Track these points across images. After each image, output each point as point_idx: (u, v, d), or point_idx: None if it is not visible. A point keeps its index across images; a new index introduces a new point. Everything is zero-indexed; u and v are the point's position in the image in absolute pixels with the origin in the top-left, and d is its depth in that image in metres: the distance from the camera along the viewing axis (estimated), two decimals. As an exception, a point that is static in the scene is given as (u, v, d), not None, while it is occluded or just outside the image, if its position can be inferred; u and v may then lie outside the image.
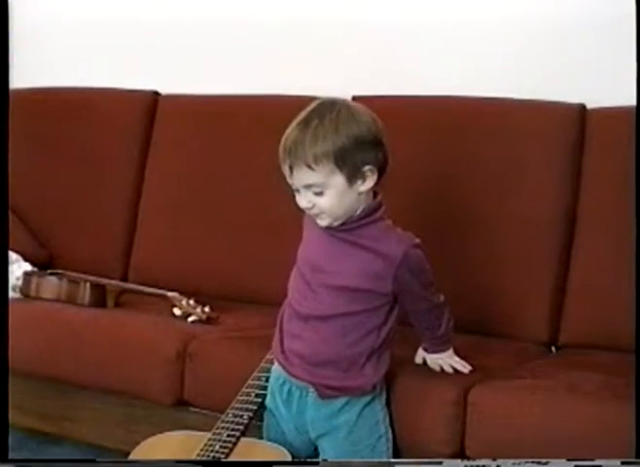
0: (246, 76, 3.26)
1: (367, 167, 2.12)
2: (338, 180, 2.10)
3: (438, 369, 2.31)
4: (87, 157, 3.38)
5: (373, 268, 2.14)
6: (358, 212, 2.16)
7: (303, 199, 2.14)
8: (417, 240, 2.18)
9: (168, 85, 3.36)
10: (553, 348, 2.68)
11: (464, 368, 2.30)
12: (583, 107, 2.72)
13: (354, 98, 2.92)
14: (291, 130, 2.13)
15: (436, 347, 2.30)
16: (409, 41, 3.04)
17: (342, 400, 2.18)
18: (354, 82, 3.03)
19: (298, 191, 2.15)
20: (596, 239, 2.63)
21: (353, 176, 2.11)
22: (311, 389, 2.19)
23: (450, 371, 2.30)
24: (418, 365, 2.34)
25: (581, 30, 2.81)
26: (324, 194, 2.11)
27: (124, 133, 3.35)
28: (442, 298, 2.26)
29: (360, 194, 2.14)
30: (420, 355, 2.34)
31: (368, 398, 2.19)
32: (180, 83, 3.34)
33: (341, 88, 2.92)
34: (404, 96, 2.93)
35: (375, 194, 2.20)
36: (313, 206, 2.13)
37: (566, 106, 2.72)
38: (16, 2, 3.57)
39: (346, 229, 2.17)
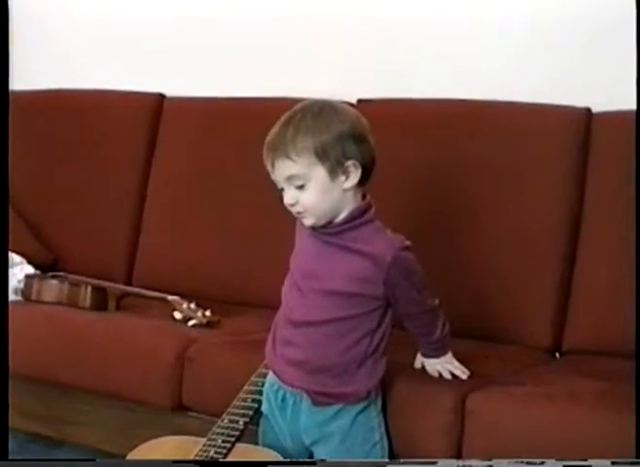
0: (251, 78, 3.25)
1: (349, 162, 2.11)
2: (320, 173, 2.09)
3: (436, 374, 2.28)
4: (92, 159, 3.38)
5: (362, 271, 2.13)
6: (345, 214, 2.14)
7: (287, 197, 2.13)
8: (407, 243, 2.16)
9: (174, 87, 3.36)
10: (558, 355, 2.65)
11: (462, 373, 2.27)
12: (588, 111, 2.69)
13: (359, 101, 2.94)
14: (274, 128, 2.15)
15: (433, 352, 2.27)
16: (414, 43, 3.02)
17: (336, 406, 2.16)
18: (358, 84, 3.03)
19: (283, 189, 2.15)
20: (601, 244, 2.60)
21: (335, 170, 2.10)
22: (305, 396, 2.17)
23: (449, 377, 2.27)
24: (416, 370, 2.31)
25: (587, 33, 2.79)
26: (306, 187, 2.10)
27: (129, 135, 3.34)
28: (436, 302, 2.23)
29: (345, 190, 2.13)
30: (419, 360, 2.32)
31: (362, 405, 2.17)
32: (185, 85, 3.34)
33: (346, 90, 2.93)
34: (408, 99, 2.91)
35: (364, 196, 2.18)
36: (297, 203, 2.12)
37: (571, 110, 2.70)
38: (21, 3, 3.59)
39: (335, 232, 2.15)
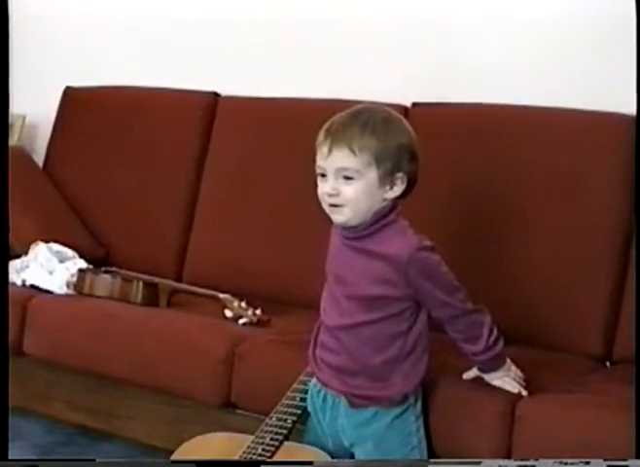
0: (305, 79, 3.25)
1: (399, 174, 2.13)
2: (372, 175, 2.10)
3: (514, 390, 2.22)
4: (146, 156, 3.40)
5: (383, 273, 2.13)
6: (369, 217, 2.14)
7: (329, 186, 2.12)
8: (427, 242, 2.14)
9: (228, 86, 3.37)
10: (608, 364, 2.63)
11: (522, 388, 2.23)
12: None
13: (414, 105, 2.94)
14: (339, 117, 2.15)
15: (486, 364, 2.22)
16: (469, 48, 3.01)
17: (373, 409, 2.17)
18: (413, 88, 3.02)
19: (324, 176, 2.14)
20: (655, 253, 2.58)
21: (385, 178, 2.11)
22: (342, 398, 2.18)
23: (525, 393, 2.21)
24: (462, 374, 2.29)
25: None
26: (354, 182, 2.10)
27: (183, 134, 3.36)
28: (476, 306, 2.18)
29: (384, 200, 2.14)
30: (471, 373, 2.27)
31: (399, 409, 2.17)
32: (240, 85, 3.35)
33: (400, 93, 2.94)
34: (462, 104, 2.91)
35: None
36: (337, 194, 2.11)
37: (622, 117, 2.67)
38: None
39: (359, 236, 2.16)
